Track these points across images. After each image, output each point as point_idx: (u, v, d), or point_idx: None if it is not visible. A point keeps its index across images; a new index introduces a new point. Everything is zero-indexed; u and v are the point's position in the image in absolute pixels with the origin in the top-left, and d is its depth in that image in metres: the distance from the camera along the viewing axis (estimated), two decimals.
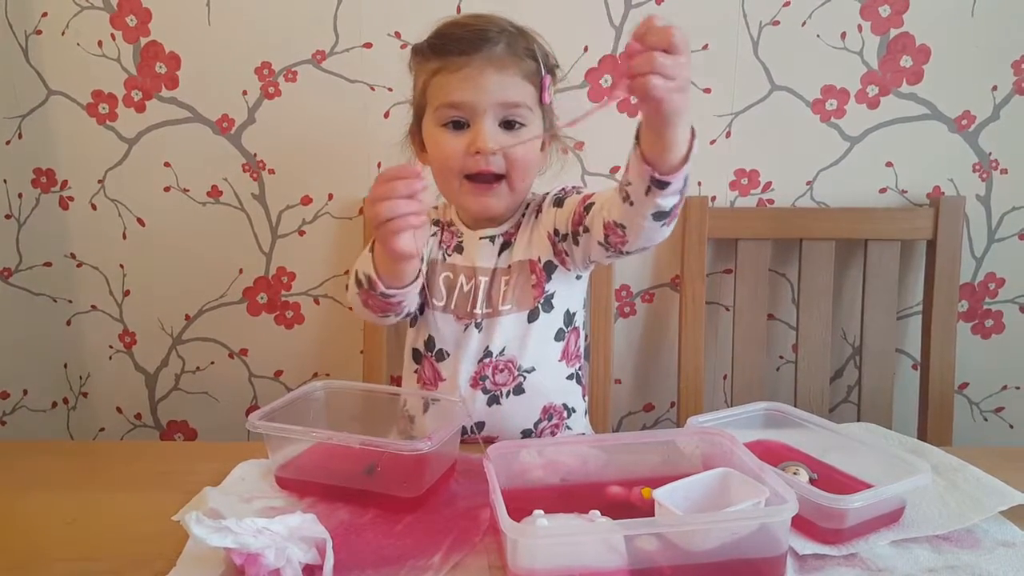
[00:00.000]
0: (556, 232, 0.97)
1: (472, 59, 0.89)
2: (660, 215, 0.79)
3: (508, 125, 0.92)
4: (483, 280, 0.98)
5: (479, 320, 0.98)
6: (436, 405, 0.96)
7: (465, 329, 0.98)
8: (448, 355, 0.99)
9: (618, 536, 0.63)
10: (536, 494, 0.74)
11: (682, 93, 0.67)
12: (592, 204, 0.91)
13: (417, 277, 0.86)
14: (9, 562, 0.72)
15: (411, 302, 0.91)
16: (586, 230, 0.91)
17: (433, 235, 1.03)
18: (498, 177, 0.93)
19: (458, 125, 0.91)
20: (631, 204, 0.79)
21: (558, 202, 0.98)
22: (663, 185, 0.75)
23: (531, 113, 0.92)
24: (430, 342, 1.00)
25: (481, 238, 1.00)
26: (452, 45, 0.90)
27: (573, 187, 1.01)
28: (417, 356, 1.04)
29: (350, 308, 0.96)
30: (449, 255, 1.01)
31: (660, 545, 0.64)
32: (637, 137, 0.76)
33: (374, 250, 0.86)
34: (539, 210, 1.00)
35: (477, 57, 0.89)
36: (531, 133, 0.93)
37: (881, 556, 0.69)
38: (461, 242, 1.01)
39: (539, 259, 0.98)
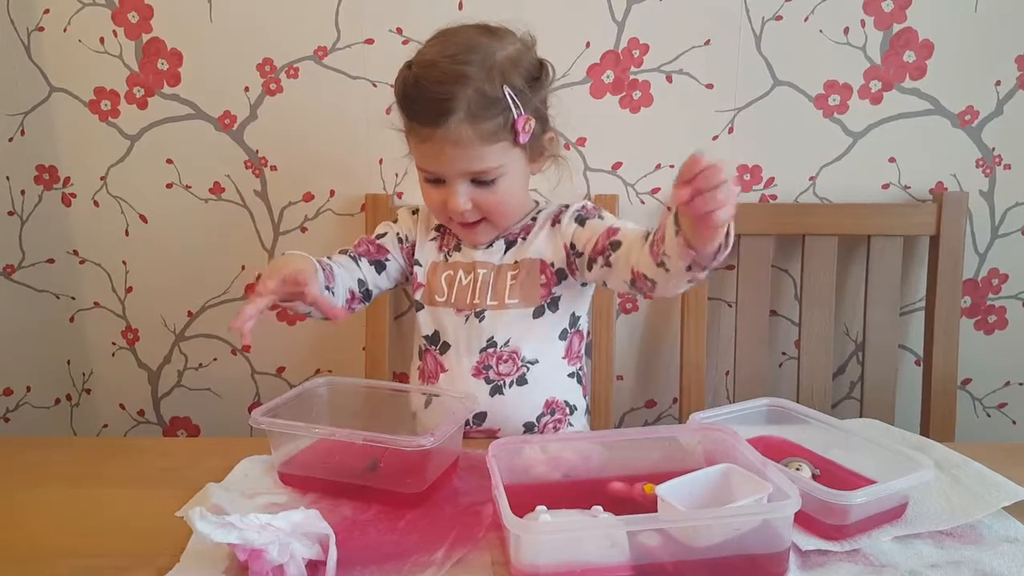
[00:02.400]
0: (572, 247, 1.00)
1: (434, 133, 0.88)
2: (694, 280, 0.82)
3: (480, 182, 0.93)
4: (482, 272, 1.01)
5: (480, 311, 1.00)
6: (438, 400, 0.96)
7: (466, 320, 1.01)
8: (450, 346, 1.02)
9: (621, 532, 0.64)
10: (539, 490, 0.74)
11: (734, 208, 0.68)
12: (618, 243, 0.92)
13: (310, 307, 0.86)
14: (12, 558, 0.72)
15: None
16: (607, 264, 0.93)
17: (432, 240, 1.05)
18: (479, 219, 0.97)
19: (436, 180, 0.94)
20: (666, 271, 0.81)
21: (580, 220, 1.00)
22: (704, 268, 0.79)
23: (503, 167, 0.92)
24: (434, 336, 1.03)
25: (485, 248, 1.03)
26: (416, 113, 0.90)
27: (595, 207, 1.03)
28: (419, 352, 1.06)
29: None
30: (450, 256, 1.04)
31: (663, 541, 0.64)
32: (677, 222, 0.75)
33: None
34: (557, 220, 1.02)
35: (438, 132, 0.88)
36: (507, 180, 0.94)
37: (884, 552, 0.69)
38: (460, 242, 1.04)
39: (552, 263, 1.01)
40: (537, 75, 0.94)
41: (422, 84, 0.88)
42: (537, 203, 1.07)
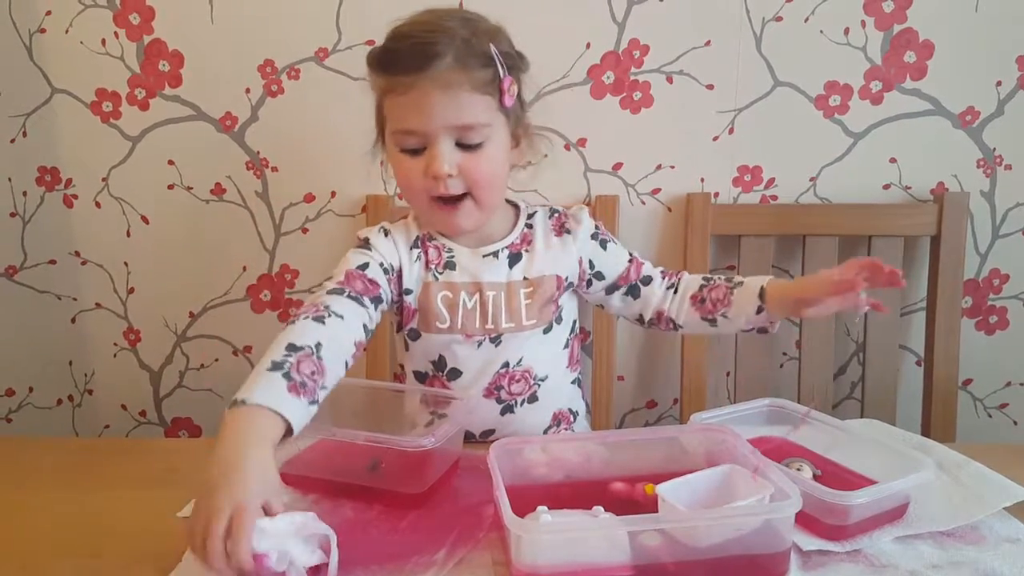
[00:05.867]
0: (592, 266, 0.99)
1: (418, 80, 0.81)
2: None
3: (466, 145, 0.85)
4: (491, 295, 0.93)
5: (497, 335, 0.94)
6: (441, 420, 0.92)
7: (479, 346, 0.94)
8: (462, 373, 0.95)
9: (622, 532, 0.64)
10: (540, 490, 0.74)
11: None
12: (649, 279, 1.00)
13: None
14: (14, 559, 0.72)
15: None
16: (631, 295, 1.00)
17: (416, 260, 0.94)
18: (462, 195, 0.88)
19: (415, 150, 0.86)
20: (713, 325, 0.95)
21: (601, 243, 0.99)
22: (765, 331, 0.93)
23: (489, 127, 0.86)
24: (440, 362, 0.95)
25: (484, 256, 0.94)
26: (397, 63, 0.83)
27: (601, 226, 1.01)
28: (421, 377, 0.98)
29: None
30: (440, 274, 0.94)
31: (663, 541, 0.65)
32: (762, 296, 0.89)
33: (231, 408, 0.70)
34: (564, 230, 0.98)
35: (423, 78, 0.81)
36: (492, 146, 0.87)
37: (885, 552, 0.69)
38: (452, 258, 0.94)
39: (566, 278, 0.97)
40: (516, 51, 0.90)
41: (406, 34, 0.84)
42: (517, 205, 1.00)
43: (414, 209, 0.96)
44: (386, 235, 0.95)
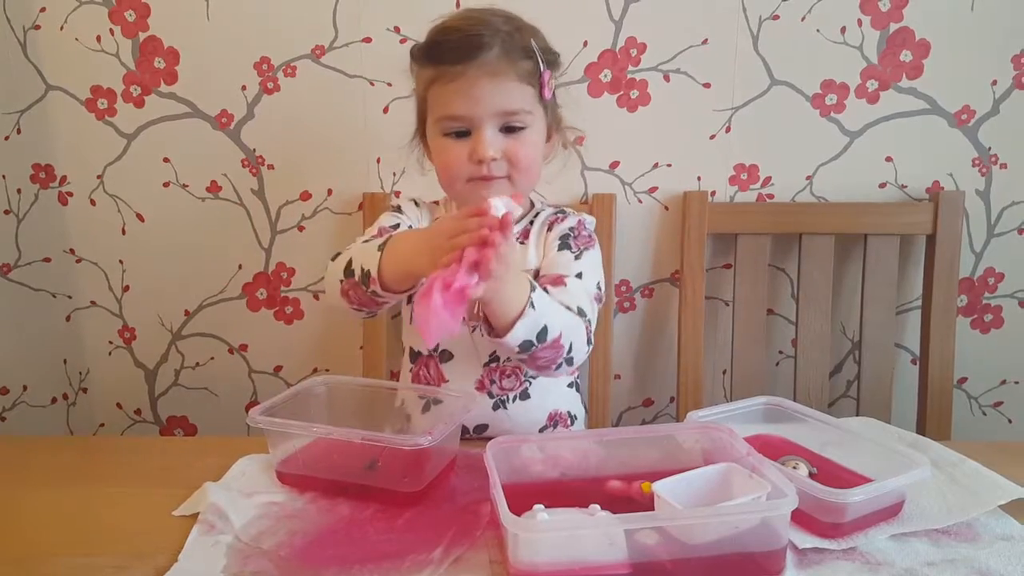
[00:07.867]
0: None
1: (466, 69, 0.87)
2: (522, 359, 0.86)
3: (509, 129, 0.90)
4: None
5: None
6: (437, 406, 0.94)
7: (472, 331, 0.96)
8: (454, 356, 0.99)
9: (618, 530, 0.64)
10: (536, 488, 0.74)
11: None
12: None
13: (414, 287, 0.84)
14: (10, 558, 0.72)
15: (393, 306, 0.90)
16: None
17: None
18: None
19: (460, 133, 0.91)
20: None
21: (562, 243, 0.96)
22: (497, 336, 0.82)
23: (531, 115, 0.91)
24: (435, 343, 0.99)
25: None
26: (445, 53, 0.88)
27: (587, 237, 0.99)
28: (415, 356, 1.03)
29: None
30: None
31: (660, 539, 0.65)
32: None
33: (384, 250, 0.84)
34: (551, 228, 1.00)
35: (471, 66, 0.87)
36: (533, 133, 0.92)
37: (880, 550, 0.69)
38: None
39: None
40: (552, 49, 0.95)
41: (453, 28, 0.89)
42: (533, 204, 1.04)
43: (449, 192, 0.99)
44: (416, 205, 1.05)
